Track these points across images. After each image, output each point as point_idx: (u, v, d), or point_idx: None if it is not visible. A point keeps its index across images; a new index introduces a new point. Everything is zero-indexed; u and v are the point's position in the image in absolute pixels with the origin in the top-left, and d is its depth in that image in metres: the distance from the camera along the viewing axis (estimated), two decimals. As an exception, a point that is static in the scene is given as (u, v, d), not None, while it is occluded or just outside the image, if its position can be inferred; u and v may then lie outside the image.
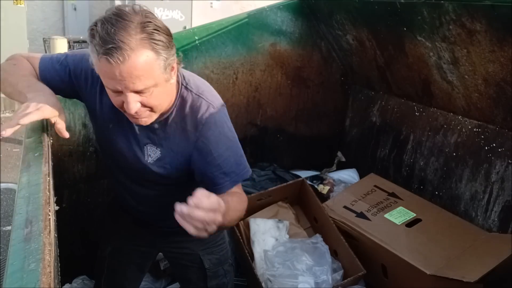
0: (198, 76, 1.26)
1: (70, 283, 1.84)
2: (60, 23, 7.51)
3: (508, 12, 1.29)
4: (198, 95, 1.16)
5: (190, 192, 0.88)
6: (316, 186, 2.25)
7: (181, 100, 1.15)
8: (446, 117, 1.90)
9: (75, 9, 7.32)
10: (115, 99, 1.04)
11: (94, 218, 1.87)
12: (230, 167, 1.17)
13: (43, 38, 6.17)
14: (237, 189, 1.20)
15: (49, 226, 0.70)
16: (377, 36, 1.92)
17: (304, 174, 2.33)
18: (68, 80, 1.20)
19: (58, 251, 0.85)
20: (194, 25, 6.24)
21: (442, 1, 1.47)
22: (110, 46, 0.92)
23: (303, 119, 2.40)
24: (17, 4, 5.58)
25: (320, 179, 2.33)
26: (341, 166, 2.53)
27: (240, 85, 2.13)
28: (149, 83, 0.99)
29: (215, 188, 1.14)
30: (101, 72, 1.00)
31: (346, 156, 2.54)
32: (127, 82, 0.96)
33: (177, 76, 1.13)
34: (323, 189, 2.24)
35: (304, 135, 2.43)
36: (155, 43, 0.97)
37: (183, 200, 0.86)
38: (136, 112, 1.02)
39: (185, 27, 6.37)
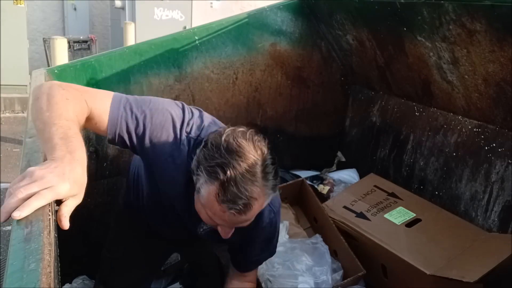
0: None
1: (70, 283, 1.84)
2: (60, 23, 7.51)
3: (508, 12, 1.29)
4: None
5: None
6: (316, 186, 2.25)
7: None
8: (446, 117, 1.90)
9: (75, 9, 7.32)
10: (209, 221, 1.05)
11: (94, 218, 1.87)
12: (258, 258, 1.35)
13: (43, 38, 6.18)
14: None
15: (49, 226, 0.70)
16: (377, 36, 1.92)
17: (304, 174, 2.33)
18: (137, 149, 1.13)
19: (58, 251, 0.85)
20: (194, 25, 6.23)
21: (442, 1, 1.47)
22: (241, 203, 0.94)
23: (303, 119, 2.40)
24: (17, 4, 5.58)
25: (320, 179, 2.33)
26: (341, 166, 2.53)
27: (240, 85, 2.13)
28: (253, 218, 1.04)
29: (240, 265, 1.36)
30: (214, 212, 0.99)
31: (346, 156, 2.54)
32: (238, 224, 1.02)
33: None
34: (323, 189, 2.24)
35: (304, 135, 2.43)
36: (272, 190, 1.00)
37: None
38: None
39: (185, 27, 6.37)
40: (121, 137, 1.09)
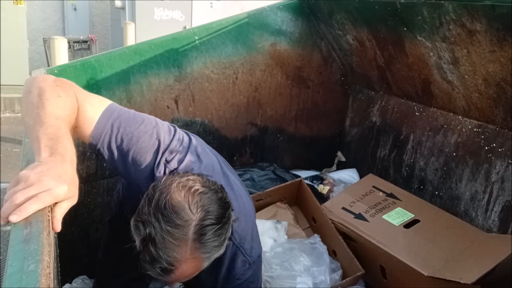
0: (245, 197, 1.22)
1: (70, 283, 1.84)
2: (60, 23, 7.51)
3: (508, 12, 1.29)
4: (238, 248, 1.14)
5: None
6: (316, 186, 2.25)
7: None
8: (446, 117, 1.90)
9: (75, 9, 7.32)
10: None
11: (94, 218, 1.87)
12: None
13: (43, 38, 6.18)
14: None
15: (49, 227, 0.70)
16: (377, 36, 1.92)
17: (304, 174, 2.33)
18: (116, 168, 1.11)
19: (58, 251, 0.85)
20: (194, 25, 6.23)
21: (442, 1, 1.47)
22: (158, 266, 0.89)
23: (303, 119, 2.40)
24: (17, 4, 5.58)
25: (320, 179, 2.33)
26: (341, 166, 2.53)
27: (240, 85, 2.13)
28: (196, 273, 0.98)
29: None
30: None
31: (346, 156, 2.54)
32: (174, 282, 0.98)
33: None
34: (323, 189, 2.24)
35: (304, 135, 2.43)
36: (210, 253, 0.94)
37: None
38: None
39: (185, 27, 6.37)
40: (101, 153, 1.07)
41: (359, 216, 1.85)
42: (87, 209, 1.86)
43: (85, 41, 6.30)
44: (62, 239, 0.95)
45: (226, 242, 0.99)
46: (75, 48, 6.16)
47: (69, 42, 5.66)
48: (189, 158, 1.09)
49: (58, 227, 0.75)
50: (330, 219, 1.87)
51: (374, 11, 1.80)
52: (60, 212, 0.76)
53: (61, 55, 4.67)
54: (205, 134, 2.07)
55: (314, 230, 1.98)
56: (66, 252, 1.11)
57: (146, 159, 1.06)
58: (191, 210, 0.90)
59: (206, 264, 0.97)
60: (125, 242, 1.44)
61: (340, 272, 1.77)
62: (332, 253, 1.85)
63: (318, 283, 1.66)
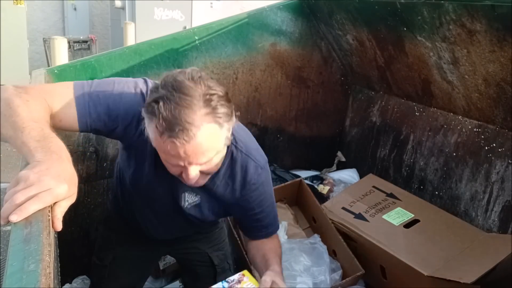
0: (242, 126, 1.23)
1: (70, 283, 1.84)
2: (60, 23, 7.51)
3: (508, 12, 1.29)
4: (247, 155, 1.18)
5: (216, 225, 0.99)
6: (316, 186, 2.25)
7: (230, 158, 1.16)
8: (446, 117, 1.90)
9: (75, 9, 7.32)
10: (172, 169, 1.02)
11: (94, 218, 1.87)
12: (269, 221, 1.29)
13: (43, 38, 6.18)
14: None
15: (49, 226, 0.70)
16: (377, 36, 1.92)
17: (304, 174, 2.33)
18: (113, 130, 1.09)
19: (58, 251, 0.85)
20: (194, 25, 6.23)
21: (442, 1, 1.47)
22: (177, 129, 0.89)
23: (303, 119, 2.40)
24: (17, 4, 5.58)
25: (320, 179, 2.33)
26: (341, 166, 2.53)
27: (240, 85, 2.13)
28: (212, 155, 0.98)
29: (255, 235, 1.30)
30: (163, 150, 0.96)
31: (346, 156, 2.54)
32: (191, 159, 0.95)
33: None
34: (323, 189, 2.24)
35: (304, 135, 2.43)
36: (219, 117, 0.94)
37: (208, 230, 1.04)
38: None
39: (185, 27, 6.37)
40: (97, 129, 1.07)
41: (359, 216, 1.86)
42: (87, 209, 1.86)
43: (85, 41, 6.30)
44: (62, 239, 0.95)
45: (234, 117, 1.00)
46: (75, 48, 6.16)
47: (69, 42, 5.66)
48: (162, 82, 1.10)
49: (59, 226, 0.75)
50: (330, 219, 1.87)
51: (374, 11, 1.81)
52: (60, 211, 0.76)
53: (61, 55, 4.67)
54: (205, 134, 2.07)
55: (314, 230, 1.98)
56: (66, 252, 1.11)
57: (132, 106, 1.06)
58: (195, 84, 0.93)
59: (221, 138, 0.98)
60: (121, 244, 1.45)
61: (340, 272, 1.77)
62: (332, 253, 1.85)
63: (318, 283, 1.67)
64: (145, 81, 1.12)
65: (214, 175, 1.14)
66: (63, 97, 1.02)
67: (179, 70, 0.98)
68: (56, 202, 0.76)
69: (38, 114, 0.91)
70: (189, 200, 1.22)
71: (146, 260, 1.51)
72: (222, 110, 0.94)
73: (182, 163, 0.96)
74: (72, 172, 0.81)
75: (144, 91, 1.09)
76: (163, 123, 0.90)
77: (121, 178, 1.32)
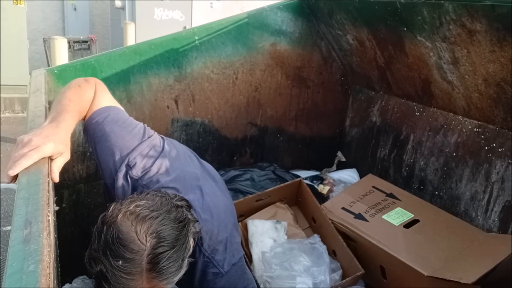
0: (222, 209, 1.20)
1: (70, 283, 1.84)
2: (60, 23, 7.51)
3: (508, 12, 1.29)
4: (209, 260, 1.12)
5: None
6: (316, 186, 2.25)
7: (192, 256, 1.08)
8: (446, 117, 1.90)
9: (75, 9, 7.32)
10: None
11: (94, 218, 1.86)
12: None
13: (43, 38, 6.18)
14: None
15: (49, 227, 0.70)
16: (377, 36, 1.92)
17: (304, 174, 2.33)
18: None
19: (58, 251, 0.85)
20: (194, 25, 6.23)
21: (442, 1, 1.47)
22: None
23: (303, 119, 2.40)
24: (17, 4, 5.58)
25: (320, 179, 2.33)
26: (341, 166, 2.53)
27: (240, 85, 2.13)
28: (169, 285, 0.96)
29: None
30: None
31: (346, 156, 2.54)
32: None
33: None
34: (323, 189, 2.24)
35: (304, 135, 2.43)
36: (169, 277, 0.91)
37: None
38: None
39: (185, 27, 6.37)
40: (88, 137, 1.21)
41: (359, 216, 1.85)
42: (87, 209, 1.86)
43: (85, 41, 6.30)
44: (62, 239, 0.95)
45: (186, 262, 0.96)
46: (75, 48, 6.16)
47: (69, 42, 5.66)
48: (156, 167, 1.11)
49: (56, 178, 0.94)
50: (330, 219, 1.87)
51: (374, 11, 1.80)
52: (56, 166, 0.96)
53: (61, 55, 4.67)
54: (205, 134, 2.07)
55: (314, 230, 1.98)
56: (66, 252, 1.11)
57: (110, 159, 1.13)
58: (140, 240, 0.88)
59: (178, 277, 0.96)
60: None
61: (340, 272, 1.77)
62: (332, 253, 1.85)
63: (318, 283, 1.66)
64: (146, 136, 1.18)
65: None
66: (103, 99, 1.20)
67: (133, 208, 0.93)
68: (52, 160, 0.94)
69: (76, 97, 1.11)
70: None
71: None
72: (173, 268, 0.91)
73: None
74: (62, 135, 0.97)
75: (130, 143, 1.15)
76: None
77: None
